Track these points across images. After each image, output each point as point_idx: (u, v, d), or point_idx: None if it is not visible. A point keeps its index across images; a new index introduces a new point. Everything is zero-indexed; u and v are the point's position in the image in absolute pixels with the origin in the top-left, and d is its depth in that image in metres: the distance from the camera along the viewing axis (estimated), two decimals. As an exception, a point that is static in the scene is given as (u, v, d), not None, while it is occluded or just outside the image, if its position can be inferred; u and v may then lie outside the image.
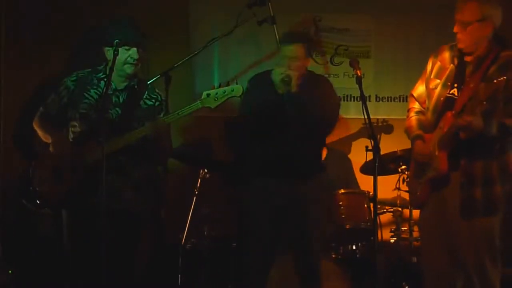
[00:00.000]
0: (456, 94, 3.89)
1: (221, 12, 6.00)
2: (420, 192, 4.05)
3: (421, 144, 4.01)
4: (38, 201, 3.94)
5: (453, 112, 3.79)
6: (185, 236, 5.07)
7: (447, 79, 3.96)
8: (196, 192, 5.19)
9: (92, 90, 4.12)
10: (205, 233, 5.29)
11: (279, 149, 4.37)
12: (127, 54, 4.05)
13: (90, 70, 4.22)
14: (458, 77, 3.93)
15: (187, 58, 5.28)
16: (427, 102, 4.07)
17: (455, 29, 3.93)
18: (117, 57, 3.97)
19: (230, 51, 6.11)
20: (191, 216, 5.13)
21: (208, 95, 3.97)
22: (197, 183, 5.22)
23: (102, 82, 4.13)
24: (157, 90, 4.27)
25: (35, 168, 3.99)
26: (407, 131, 4.19)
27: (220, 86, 4.01)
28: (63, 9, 5.94)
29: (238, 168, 4.83)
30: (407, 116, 4.22)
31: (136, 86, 4.17)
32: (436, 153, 3.85)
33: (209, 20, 6.09)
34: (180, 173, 5.57)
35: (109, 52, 4.08)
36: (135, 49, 4.07)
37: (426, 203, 4.03)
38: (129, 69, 4.09)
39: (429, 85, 4.05)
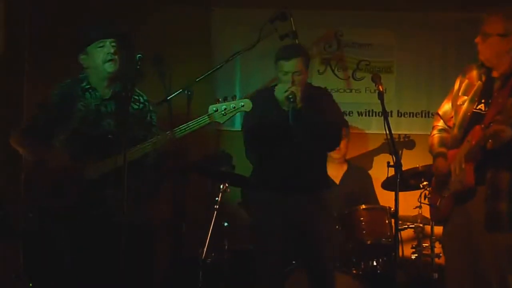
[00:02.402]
0: (483, 109, 3.90)
1: (242, 27, 6.02)
2: (443, 206, 4.03)
3: (443, 162, 4.02)
4: (30, 214, 3.88)
5: (482, 125, 3.79)
6: (206, 250, 5.06)
7: (474, 94, 3.97)
8: (217, 206, 5.19)
9: (79, 104, 3.94)
10: (226, 247, 5.28)
11: (284, 165, 4.36)
12: (103, 52, 3.87)
13: (70, 80, 4.04)
14: (485, 93, 3.94)
15: (208, 72, 5.30)
16: (454, 118, 4.07)
17: (476, 40, 3.93)
18: (92, 59, 3.86)
19: (252, 65, 6.12)
20: (211, 230, 5.12)
21: (215, 109, 3.77)
22: (218, 196, 5.22)
23: (87, 93, 3.95)
24: (137, 90, 4.05)
25: (33, 182, 3.87)
26: (430, 148, 4.19)
27: (225, 100, 3.81)
28: (84, 24, 5.97)
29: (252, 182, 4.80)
30: (430, 134, 4.22)
31: (121, 92, 3.96)
32: (463, 166, 3.84)
33: (230, 35, 6.11)
34: (201, 186, 5.57)
35: (84, 59, 3.94)
36: (108, 42, 3.88)
37: (449, 218, 4.02)
38: (109, 68, 3.89)
39: (457, 102, 4.05)
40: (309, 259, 4.45)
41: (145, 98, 4.05)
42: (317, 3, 6.11)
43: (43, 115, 3.99)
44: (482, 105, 3.93)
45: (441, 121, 4.20)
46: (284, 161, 4.37)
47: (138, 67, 3.75)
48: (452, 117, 4.11)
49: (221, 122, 3.81)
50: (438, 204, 4.10)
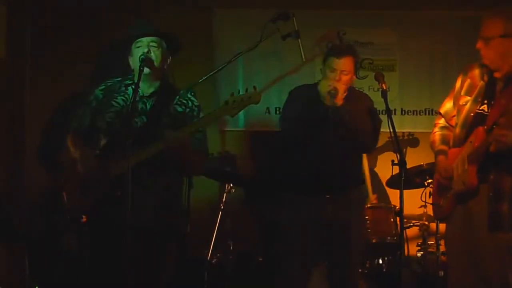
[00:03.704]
0: (486, 110, 3.89)
1: (244, 27, 6.02)
2: (445, 204, 4.03)
3: (444, 159, 4.03)
4: (68, 217, 3.82)
5: (485, 127, 3.78)
6: (211, 251, 5.07)
7: (477, 95, 3.96)
8: (222, 207, 5.19)
9: (119, 97, 3.92)
10: (231, 247, 5.28)
11: (320, 163, 4.33)
12: (140, 52, 3.82)
13: (119, 78, 4.03)
14: (488, 94, 3.93)
15: (211, 73, 5.29)
16: (456, 118, 4.06)
17: (478, 45, 3.93)
18: (134, 59, 3.85)
19: (254, 65, 6.13)
20: (216, 231, 5.12)
21: (226, 102, 3.70)
22: (223, 197, 5.23)
23: (130, 88, 3.94)
24: (189, 96, 4.00)
25: (64, 184, 3.85)
26: (431, 145, 4.19)
27: (232, 95, 3.73)
28: (88, 23, 5.99)
29: (265, 183, 4.79)
30: (432, 131, 4.22)
31: (164, 91, 3.94)
32: (466, 167, 3.83)
33: (233, 35, 6.11)
34: (205, 187, 5.57)
35: (130, 60, 3.93)
36: (144, 41, 3.85)
37: (451, 216, 4.02)
38: (144, 69, 3.79)
39: (459, 102, 4.05)
40: (337, 262, 4.42)
41: (196, 103, 3.97)
42: (319, 3, 6.12)
43: (87, 111, 3.98)
44: (485, 105, 3.92)
45: (442, 119, 4.20)
46: (319, 158, 4.34)
47: (141, 68, 3.75)
48: (454, 115, 4.10)
49: (232, 115, 3.74)
50: (440, 202, 4.10)
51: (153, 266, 3.85)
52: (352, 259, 4.41)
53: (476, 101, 3.96)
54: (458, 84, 4.13)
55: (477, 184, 3.82)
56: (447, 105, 4.19)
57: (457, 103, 4.08)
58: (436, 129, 4.21)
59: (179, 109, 3.93)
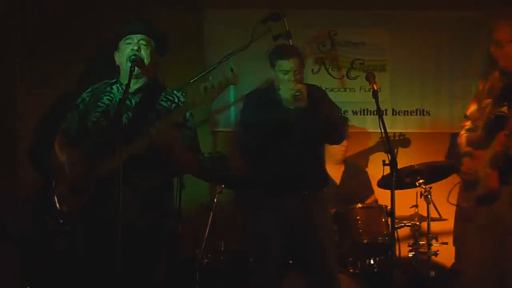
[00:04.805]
0: (506, 112, 3.93)
1: (235, 28, 6.01)
2: (469, 206, 4.08)
3: (469, 162, 4.08)
4: (60, 220, 3.79)
5: (506, 132, 3.83)
6: (202, 251, 5.07)
7: (497, 97, 4.02)
8: (213, 207, 5.19)
9: (104, 97, 3.92)
10: (222, 248, 5.28)
11: (286, 164, 4.36)
12: (129, 47, 3.83)
13: (107, 81, 4.03)
14: (508, 96, 3.96)
15: (202, 74, 5.29)
16: (479, 120, 4.10)
17: (492, 49, 3.96)
18: (121, 55, 3.84)
19: (245, 66, 6.11)
20: (208, 231, 5.12)
21: (205, 88, 3.67)
22: (214, 198, 5.22)
23: (114, 87, 3.94)
24: (175, 92, 3.99)
25: (55, 187, 3.82)
26: (458, 147, 4.24)
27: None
28: (79, 24, 5.97)
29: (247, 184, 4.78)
30: (459, 134, 4.27)
31: (149, 87, 3.92)
32: (488, 170, 3.88)
33: (223, 36, 6.10)
34: (196, 188, 5.56)
35: (117, 56, 3.93)
36: (135, 38, 3.85)
37: (474, 218, 4.06)
38: (135, 70, 3.78)
39: (482, 104, 4.10)
40: (313, 263, 4.41)
41: (182, 99, 3.93)
42: (310, 3, 6.10)
43: (75, 114, 3.98)
44: (505, 107, 3.97)
45: (469, 121, 4.25)
46: (285, 160, 4.37)
47: (132, 68, 3.74)
48: (479, 118, 4.14)
49: (212, 100, 3.74)
50: (464, 205, 4.13)
51: (144, 266, 3.82)
52: (328, 261, 4.41)
53: (496, 103, 4.01)
54: (480, 86, 4.20)
55: (499, 187, 3.87)
56: (472, 108, 4.26)
57: (480, 106, 4.13)
58: (463, 132, 4.29)
59: (164, 104, 3.91)
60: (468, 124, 4.26)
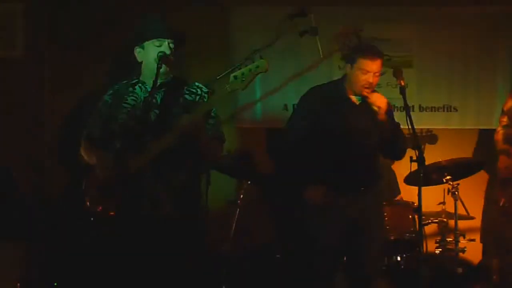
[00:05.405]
0: None
1: (261, 24, 6.00)
2: (507, 202, 4.08)
3: (505, 159, 4.04)
4: (92, 219, 3.81)
5: None
6: (229, 247, 5.09)
7: None
8: (239, 203, 5.21)
9: (129, 98, 3.92)
10: (248, 244, 5.30)
11: (346, 162, 4.35)
12: (158, 50, 3.83)
13: (126, 81, 4.03)
14: None
15: (229, 70, 5.28)
16: None
17: None
18: (147, 54, 3.85)
19: (271, 63, 6.03)
20: (234, 227, 5.14)
21: (235, 77, 3.69)
22: (240, 194, 5.24)
23: (137, 87, 3.94)
24: (197, 84, 3.98)
25: (87, 188, 3.85)
26: (495, 144, 4.21)
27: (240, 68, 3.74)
28: (105, 24, 6.01)
29: (282, 180, 4.77)
30: (496, 130, 4.24)
31: (172, 83, 3.93)
32: None
33: (249, 32, 6.09)
34: (222, 184, 5.58)
35: (139, 53, 3.93)
36: (166, 42, 3.86)
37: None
38: (163, 68, 3.81)
39: None
40: (359, 259, 4.43)
41: (205, 90, 3.94)
42: (336, -1, 6.11)
43: (97, 118, 3.99)
44: None
45: (506, 117, 4.20)
46: (346, 158, 4.35)
47: (158, 65, 3.76)
48: None
49: (242, 88, 3.73)
50: (502, 201, 4.14)
51: (172, 262, 3.83)
52: (375, 256, 4.43)
53: None
54: None
55: None
56: (510, 103, 4.19)
57: None
58: (499, 128, 4.24)
59: (189, 98, 3.93)
60: (505, 120, 4.21)
